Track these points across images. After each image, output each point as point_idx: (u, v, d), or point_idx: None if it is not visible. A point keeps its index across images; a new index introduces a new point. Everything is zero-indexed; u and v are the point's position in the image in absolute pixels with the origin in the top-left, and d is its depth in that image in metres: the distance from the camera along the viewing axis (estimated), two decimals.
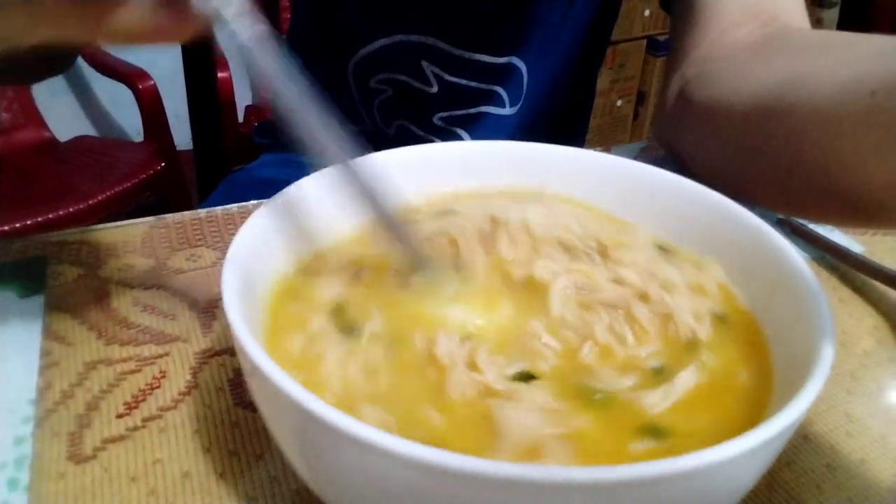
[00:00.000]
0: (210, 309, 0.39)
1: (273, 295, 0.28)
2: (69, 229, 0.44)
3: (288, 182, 0.31)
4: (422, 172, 0.35)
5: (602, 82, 2.00)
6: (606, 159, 0.34)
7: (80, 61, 1.79)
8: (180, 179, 1.65)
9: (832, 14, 1.90)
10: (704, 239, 0.30)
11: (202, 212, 0.47)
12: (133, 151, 1.70)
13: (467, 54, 0.64)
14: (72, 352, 0.35)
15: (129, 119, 1.85)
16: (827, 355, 0.22)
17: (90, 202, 1.48)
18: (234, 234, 0.45)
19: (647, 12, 2.12)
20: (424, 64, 0.65)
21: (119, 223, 0.46)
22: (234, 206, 0.48)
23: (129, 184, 1.55)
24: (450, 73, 0.65)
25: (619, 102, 2.22)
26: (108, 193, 1.51)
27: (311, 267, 0.31)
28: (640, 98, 2.24)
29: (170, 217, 0.47)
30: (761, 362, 0.25)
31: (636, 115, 2.27)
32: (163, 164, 1.62)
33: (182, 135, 1.69)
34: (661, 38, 2.16)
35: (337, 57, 0.67)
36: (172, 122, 1.66)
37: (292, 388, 0.19)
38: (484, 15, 0.63)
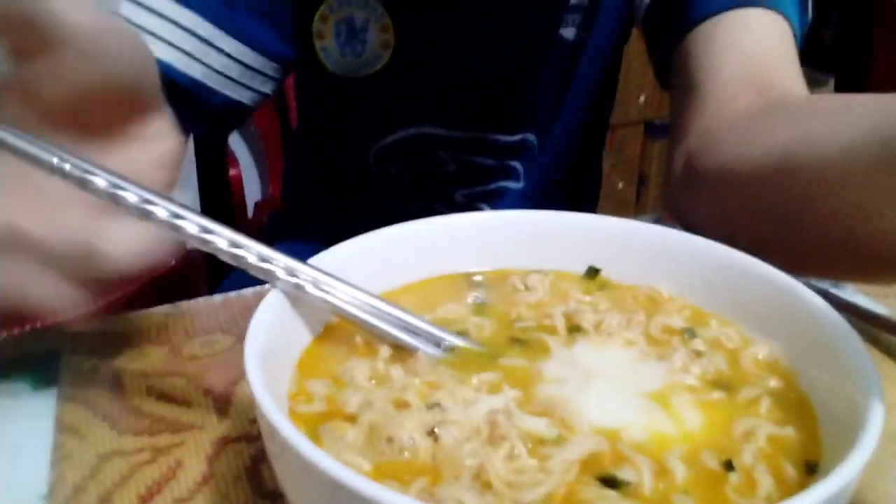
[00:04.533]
0: (226, 395, 0.38)
1: (296, 369, 0.27)
2: (83, 321, 0.44)
3: None
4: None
5: (602, 166, 2.04)
6: (633, 227, 0.34)
7: None
8: (190, 278, 1.66)
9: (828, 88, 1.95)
10: (736, 301, 0.30)
11: (217, 297, 0.47)
12: None
13: (481, 135, 0.66)
14: (85, 444, 0.34)
15: None
16: (876, 418, 0.20)
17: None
18: (249, 319, 0.45)
19: (641, 98, 2.19)
20: (440, 152, 0.67)
21: (134, 313, 0.45)
22: (248, 290, 0.48)
23: (138, 283, 1.56)
24: (466, 153, 0.67)
25: (620, 185, 2.25)
26: (118, 295, 1.52)
27: (331, 340, 0.30)
28: (642, 180, 2.28)
29: (185, 304, 0.46)
30: (808, 423, 0.24)
31: (638, 198, 2.30)
32: (173, 262, 1.63)
33: None
34: (658, 121, 2.22)
35: (355, 148, 0.69)
36: None
37: (329, 465, 0.18)
38: (492, 99, 0.65)
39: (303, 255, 0.76)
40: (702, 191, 0.50)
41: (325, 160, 0.76)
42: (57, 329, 0.43)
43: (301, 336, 0.29)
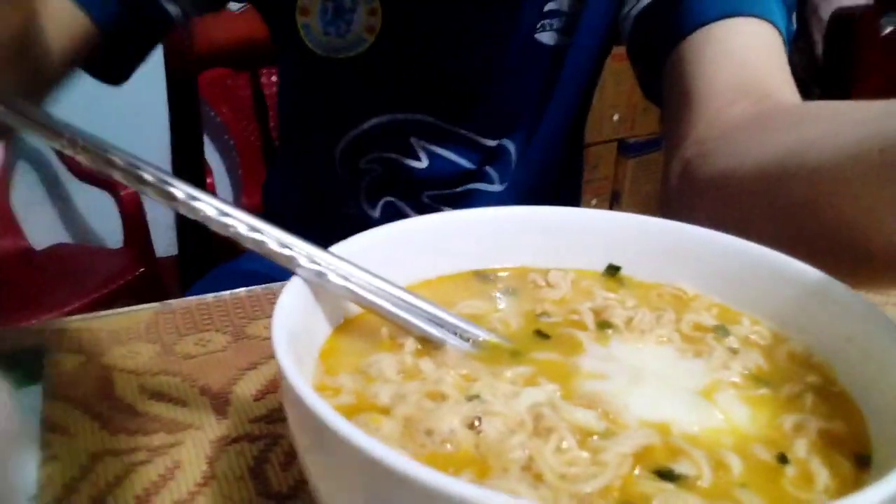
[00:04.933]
0: (224, 394, 0.36)
1: (318, 361, 0.26)
2: (68, 317, 0.42)
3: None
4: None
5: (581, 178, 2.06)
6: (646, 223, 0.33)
7: (61, 169, 1.79)
8: (160, 286, 1.62)
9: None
10: (762, 297, 0.29)
11: (209, 297, 0.45)
12: (111, 258, 1.67)
13: (455, 128, 0.64)
14: (74, 443, 0.32)
15: (108, 227, 1.83)
16: None
17: (64, 310, 1.43)
18: (243, 318, 0.44)
19: (615, 117, 2.22)
20: (413, 140, 0.65)
21: (121, 310, 0.43)
22: (242, 290, 0.46)
23: (106, 290, 1.51)
24: (439, 144, 0.65)
25: (594, 202, 2.28)
26: (84, 301, 1.47)
27: (352, 333, 0.28)
28: (615, 197, 2.31)
29: (175, 302, 0.44)
30: (853, 417, 0.24)
31: None
32: (142, 270, 1.59)
33: (162, 242, 1.67)
34: (631, 140, 2.26)
35: (325, 142, 0.67)
36: (153, 229, 1.64)
37: (384, 451, 0.17)
38: (469, 99, 0.64)
39: (276, 265, 0.72)
40: (699, 199, 0.50)
41: (299, 155, 0.73)
42: (39, 326, 0.41)
43: (321, 328, 0.27)
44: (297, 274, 0.26)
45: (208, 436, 0.33)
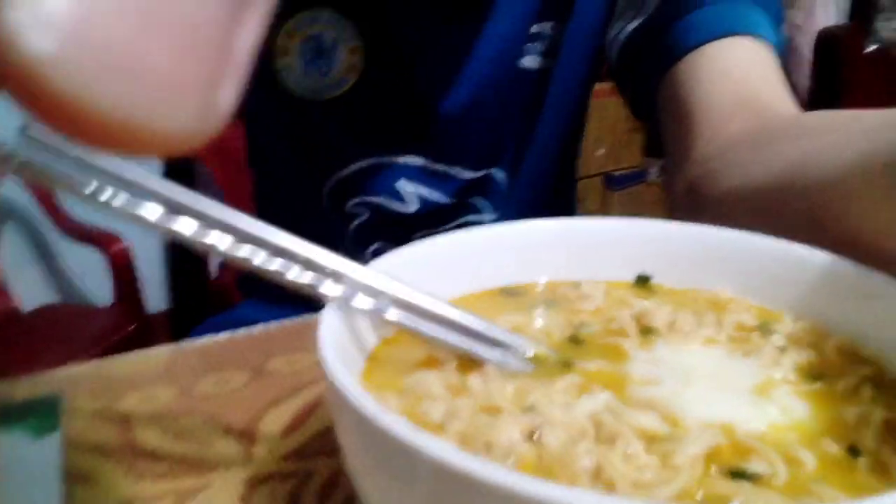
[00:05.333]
0: (249, 432, 0.35)
1: (361, 380, 0.25)
2: (81, 364, 0.41)
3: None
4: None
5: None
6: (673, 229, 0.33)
7: (49, 229, 1.77)
8: (152, 343, 1.59)
9: None
10: (801, 296, 0.29)
11: (222, 336, 0.44)
12: (100, 317, 1.65)
13: (444, 168, 0.64)
14: (98, 492, 0.31)
15: (97, 285, 1.81)
16: None
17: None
18: (260, 355, 0.43)
19: (600, 151, 2.25)
20: (402, 182, 0.64)
21: (136, 352, 0.42)
22: (256, 328, 0.45)
23: (97, 349, 1.49)
24: (429, 188, 0.64)
25: None
26: (75, 361, 1.44)
27: (392, 350, 0.28)
28: None
29: (187, 344, 0.43)
30: None
31: None
32: (133, 327, 1.56)
33: (151, 298, 1.65)
34: (617, 173, 2.29)
35: (311, 183, 0.66)
36: (143, 286, 1.62)
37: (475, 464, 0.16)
38: (458, 130, 0.64)
39: (273, 311, 0.68)
40: (706, 218, 0.50)
41: (281, 201, 0.71)
42: (52, 373, 0.40)
43: (361, 347, 0.26)
44: (327, 302, 0.25)
45: (238, 476, 0.32)
